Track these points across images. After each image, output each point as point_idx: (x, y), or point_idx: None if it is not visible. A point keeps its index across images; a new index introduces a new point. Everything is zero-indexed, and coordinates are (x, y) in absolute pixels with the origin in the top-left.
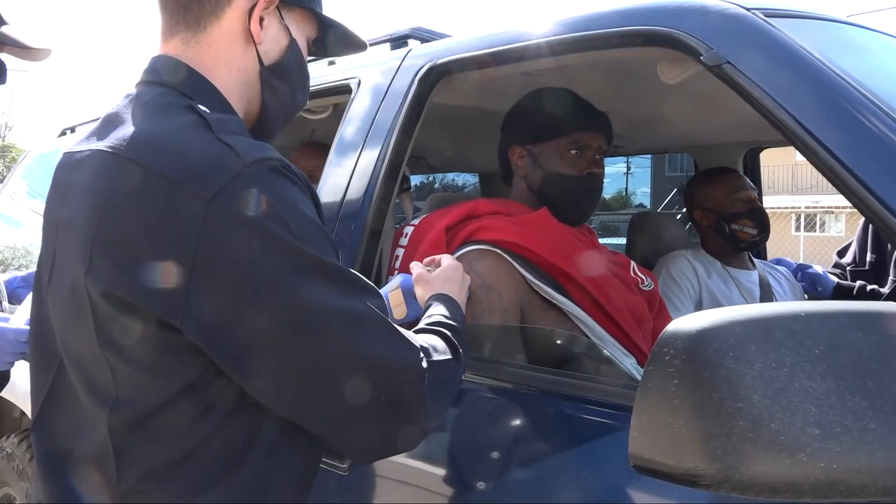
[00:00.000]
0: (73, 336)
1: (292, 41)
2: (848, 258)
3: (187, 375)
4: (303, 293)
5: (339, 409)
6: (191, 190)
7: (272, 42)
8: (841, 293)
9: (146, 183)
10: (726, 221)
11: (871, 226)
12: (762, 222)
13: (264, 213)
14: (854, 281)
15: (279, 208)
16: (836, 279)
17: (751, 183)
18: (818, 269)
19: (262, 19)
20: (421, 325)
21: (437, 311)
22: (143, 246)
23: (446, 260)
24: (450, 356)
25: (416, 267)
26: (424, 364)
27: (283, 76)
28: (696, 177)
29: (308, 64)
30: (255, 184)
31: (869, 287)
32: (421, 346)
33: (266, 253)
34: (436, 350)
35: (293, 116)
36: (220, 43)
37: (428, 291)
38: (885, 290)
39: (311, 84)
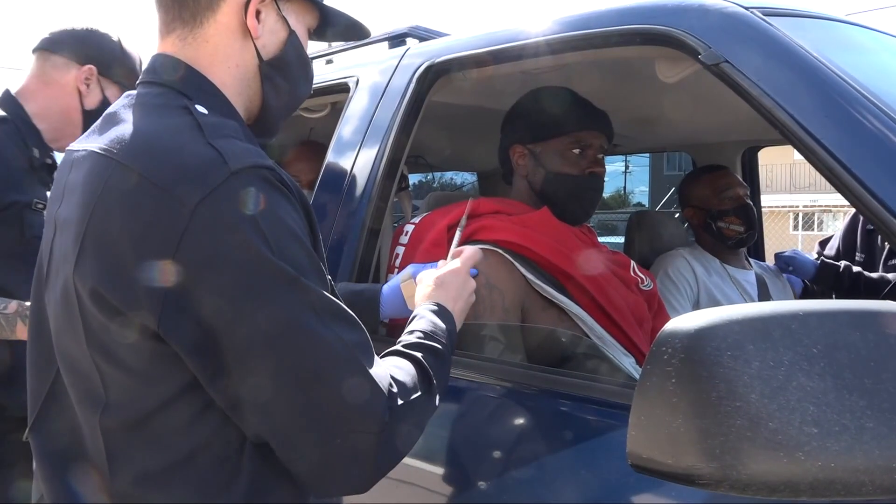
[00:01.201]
0: (64, 336)
1: (291, 33)
2: (830, 251)
3: (181, 379)
4: (269, 310)
5: (291, 440)
6: (176, 196)
7: (270, 35)
8: (827, 273)
9: (133, 187)
10: (713, 219)
11: (860, 225)
12: (749, 219)
13: (246, 224)
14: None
15: (260, 220)
16: (817, 258)
17: (740, 180)
18: (798, 252)
19: (258, 12)
20: (399, 344)
21: (419, 328)
22: (126, 249)
23: (451, 263)
24: (419, 392)
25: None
26: (387, 417)
27: (282, 70)
28: (687, 176)
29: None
30: (240, 193)
31: (855, 269)
32: (390, 390)
33: (242, 266)
34: (405, 389)
35: (296, 108)
36: (217, 39)
37: (420, 295)
38: (875, 275)
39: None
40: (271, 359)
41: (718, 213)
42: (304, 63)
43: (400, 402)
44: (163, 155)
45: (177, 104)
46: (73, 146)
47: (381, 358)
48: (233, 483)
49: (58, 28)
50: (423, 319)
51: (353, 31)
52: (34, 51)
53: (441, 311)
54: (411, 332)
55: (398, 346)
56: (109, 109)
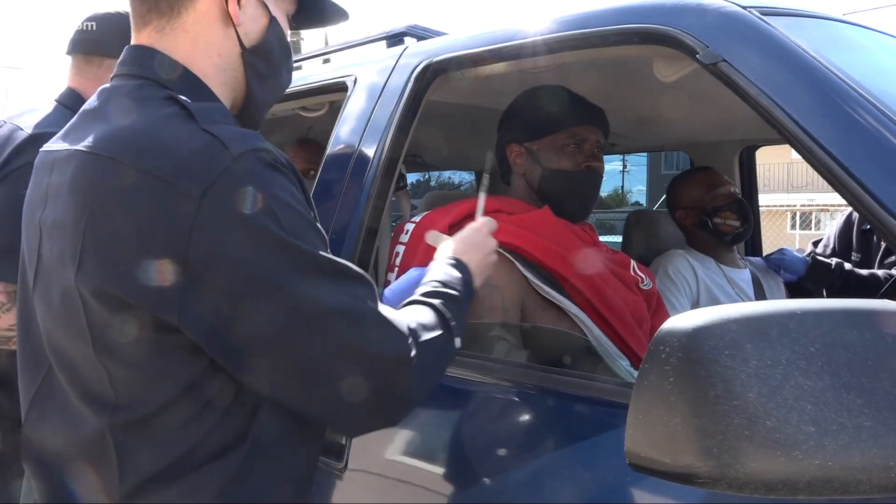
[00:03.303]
0: (63, 341)
1: (272, 19)
2: (825, 251)
3: (187, 376)
4: (297, 290)
5: (330, 398)
6: (180, 187)
7: (252, 22)
8: (819, 271)
9: (133, 183)
10: (709, 216)
11: (855, 225)
12: (744, 214)
13: (256, 209)
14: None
15: (270, 203)
16: (807, 257)
17: (729, 179)
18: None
19: None
20: (415, 294)
21: (433, 278)
22: (135, 245)
23: (472, 224)
24: (439, 331)
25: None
26: (413, 352)
27: (265, 57)
28: (674, 180)
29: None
30: (245, 178)
31: (847, 266)
32: (409, 327)
33: (259, 250)
34: (424, 328)
35: (279, 98)
36: (198, 28)
37: (438, 251)
38: (865, 272)
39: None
40: (301, 337)
41: (713, 210)
42: (286, 50)
43: (421, 339)
44: (157, 147)
45: (159, 95)
46: (50, 146)
47: (399, 309)
48: (232, 480)
49: (95, 27)
50: (438, 270)
51: (331, 15)
52: (78, 54)
53: (456, 263)
54: (424, 283)
55: (416, 297)
56: (86, 106)
